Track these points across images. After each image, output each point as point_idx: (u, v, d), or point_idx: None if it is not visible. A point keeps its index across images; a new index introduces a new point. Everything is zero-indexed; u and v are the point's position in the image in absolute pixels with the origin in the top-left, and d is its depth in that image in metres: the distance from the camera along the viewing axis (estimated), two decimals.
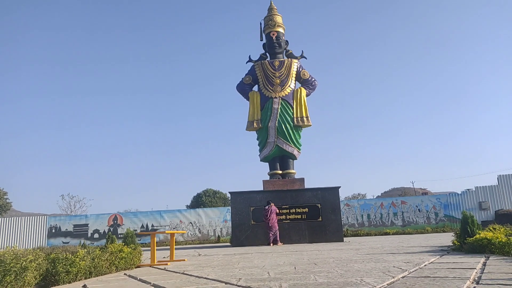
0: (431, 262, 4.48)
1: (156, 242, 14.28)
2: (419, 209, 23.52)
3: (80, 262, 4.37)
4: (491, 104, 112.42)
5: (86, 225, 24.16)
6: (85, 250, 4.80)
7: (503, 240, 5.14)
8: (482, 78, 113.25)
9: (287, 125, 14.18)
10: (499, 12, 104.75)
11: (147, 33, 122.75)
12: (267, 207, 12.40)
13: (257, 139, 14.89)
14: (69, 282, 4.21)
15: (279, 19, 15.53)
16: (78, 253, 4.46)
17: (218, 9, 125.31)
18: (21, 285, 3.55)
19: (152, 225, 24.07)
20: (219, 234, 23.09)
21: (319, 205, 13.05)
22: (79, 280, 4.38)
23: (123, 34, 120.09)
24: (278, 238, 12.25)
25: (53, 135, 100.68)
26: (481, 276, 3.18)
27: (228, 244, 15.95)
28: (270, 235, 12.12)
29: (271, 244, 11.95)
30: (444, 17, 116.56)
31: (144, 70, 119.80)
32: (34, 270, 3.75)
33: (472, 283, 2.86)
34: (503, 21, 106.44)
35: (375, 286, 2.84)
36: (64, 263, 4.18)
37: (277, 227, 12.29)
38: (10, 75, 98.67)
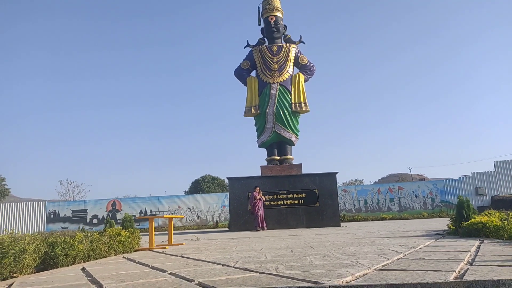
0: (426, 245, 4.54)
1: (155, 228, 14.36)
2: (415, 195, 23.69)
3: (79, 246, 4.41)
4: (489, 90, 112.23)
5: (85, 210, 24.25)
6: (84, 234, 4.84)
7: (498, 224, 5.20)
8: (479, 64, 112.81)
9: (285, 111, 14.14)
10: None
11: (147, 15, 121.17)
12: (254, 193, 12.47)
13: (255, 125, 14.86)
14: (68, 265, 4.25)
15: (277, 3, 15.31)
16: (76, 237, 4.50)
17: None
18: (20, 267, 3.58)
19: (151, 211, 24.19)
20: (217, 220, 23.24)
21: (316, 190, 13.13)
22: (78, 263, 4.42)
23: (123, 18, 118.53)
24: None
25: (51, 121, 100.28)
26: (475, 258, 3.23)
27: (226, 229, 16.07)
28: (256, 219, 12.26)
29: (259, 228, 12.06)
30: (446, 2, 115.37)
31: (144, 53, 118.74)
32: (33, 252, 3.78)
33: (466, 264, 2.90)
34: (503, 9, 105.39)
35: (370, 268, 2.87)
36: (62, 246, 4.22)
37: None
38: (7, 58, 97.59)
